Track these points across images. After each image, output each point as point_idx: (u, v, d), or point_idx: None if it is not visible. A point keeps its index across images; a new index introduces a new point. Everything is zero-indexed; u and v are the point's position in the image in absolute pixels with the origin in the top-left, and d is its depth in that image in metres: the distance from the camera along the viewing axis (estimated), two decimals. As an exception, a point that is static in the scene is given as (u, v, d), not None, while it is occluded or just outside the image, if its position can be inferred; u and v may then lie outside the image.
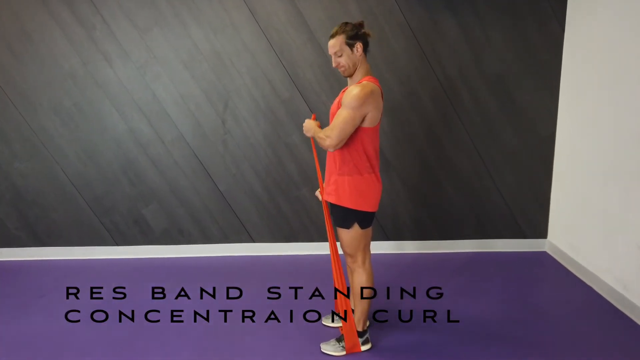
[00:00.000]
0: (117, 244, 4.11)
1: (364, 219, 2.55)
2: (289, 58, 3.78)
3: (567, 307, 3.12)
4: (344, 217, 2.53)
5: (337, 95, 3.77)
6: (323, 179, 2.84)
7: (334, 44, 2.44)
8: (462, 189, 4.01)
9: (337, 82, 3.80)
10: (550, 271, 3.71)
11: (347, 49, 2.44)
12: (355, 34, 2.43)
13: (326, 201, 2.63)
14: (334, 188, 2.53)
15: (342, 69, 2.48)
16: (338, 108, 2.45)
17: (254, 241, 4.12)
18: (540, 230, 4.09)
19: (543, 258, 3.97)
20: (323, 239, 4.10)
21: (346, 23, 2.46)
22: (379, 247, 4.06)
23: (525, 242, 4.11)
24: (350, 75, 2.51)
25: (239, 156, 3.95)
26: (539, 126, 3.90)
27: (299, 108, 3.86)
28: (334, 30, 2.46)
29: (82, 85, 3.81)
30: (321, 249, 4.11)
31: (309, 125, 2.60)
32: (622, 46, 3.08)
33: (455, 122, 3.88)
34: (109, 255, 4.11)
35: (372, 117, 2.43)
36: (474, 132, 3.90)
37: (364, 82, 2.41)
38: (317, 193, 2.83)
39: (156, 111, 3.87)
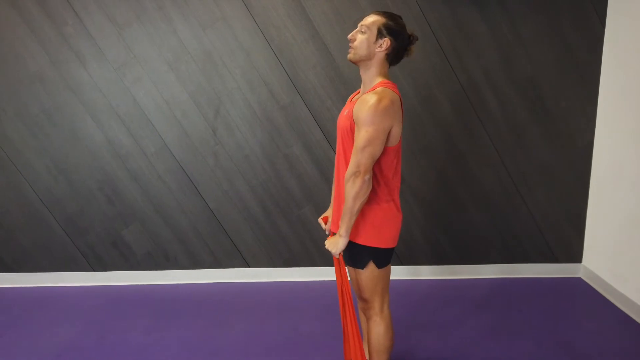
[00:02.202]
0: (94, 270, 3.61)
1: (381, 256, 2.06)
2: (289, 58, 3.29)
3: (611, 349, 2.64)
4: (357, 255, 2.05)
5: (344, 101, 3.29)
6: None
7: (368, 19, 1.97)
8: (485, 207, 3.52)
9: (344, 85, 3.31)
10: (590, 303, 3.22)
11: (374, 33, 1.95)
12: (397, 32, 1.95)
13: (334, 233, 2.15)
14: None
15: (351, 49, 1.98)
16: (349, 120, 1.96)
17: (248, 266, 3.62)
18: (574, 254, 3.61)
19: (578, 285, 3.49)
20: (327, 263, 3.61)
21: (399, 16, 2.00)
22: (391, 273, 3.57)
23: (557, 266, 3.62)
24: (355, 62, 2.00)
25: (232, 170, 3.45)
26: (574, 136, 3.41)
27: (300, 115, 3.37)
28: (379, 10, 2.01)
29: (51, 89, 3.32)
30: (325, 274, 3.61)
31: (332, 240, 2.02)
32: None
33: (479, 132, 3.40)
34: (83, 282, 3.61)
35: (395, 134, 1.95)
36: (500, 143, 3.41)
37: (379, 88, 1.92)
38: (321, 220, 2.36)
39: (137, 119, 3.38)
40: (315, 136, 3.39)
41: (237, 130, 3.40)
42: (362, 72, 2.03)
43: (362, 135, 1.87)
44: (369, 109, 1.85)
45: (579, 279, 3.59)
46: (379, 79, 1.99)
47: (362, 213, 1.99)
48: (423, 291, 3.42)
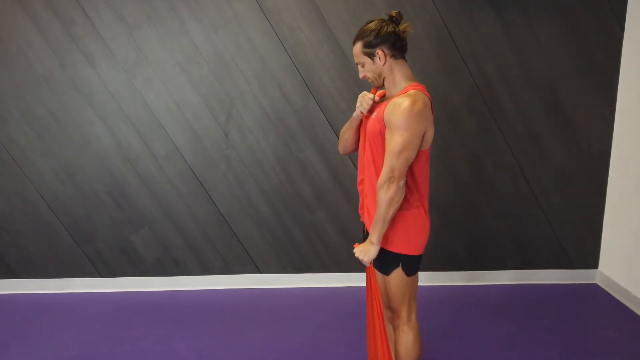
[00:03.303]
0: (101, 276, 3.52)
1: (410, 264, 2.00)
2: (303, 60, 3.23)
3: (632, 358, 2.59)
4: (386, 262, 1.98)
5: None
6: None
7: (355, 53, 1.97)
8: (501, 212, 3.47)
9: (359, 88, 3.24)
10: (607, 309, 3.17)
11: (366, 59, 1.92)
12: (375, 38, 1.88)
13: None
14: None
15: (370, 81, 1.99)
16: (379, 124, 1.90)
17: (260, 272, 3.55)
18: (590, 259, 3.55)
19: (594, 291, 3.44)
20: (340, 269, 3.54)
21: (368, 22, 1.93)
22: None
23: (572, 272, 3.57)
24: (381, 86, 1.98)
25: (244, 174, 3.38)
26: (591, 141, 3.37)
27: (314, 118, 3.30)
28: (355, 35, 1.96)
29: (59, 90, 3.23)
30: (337, 280, 3.54)
31: (362, 247, 1.96)
32: None
33: (496, 135, 3.34)
34: (91, 289, 3.53)
35: (428, 137, 1.89)
36: (516, 147, 3.36)
37: (411, 91, 1.86)
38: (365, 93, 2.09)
39: (147, 121, 3.30)
40: (330, 140, 3.33)
41: (249, 134, 3.32)
42: (385, 82, 1.98)
43: (396, 139, 1.80)
44: (403, 113, 1.79)
45: (595, 285, 3.54)
46: (406, 81, 1.94)
47: (393, 221, 1.93)
48: (439, 298, 3.35)
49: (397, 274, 1.98)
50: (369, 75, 1.97)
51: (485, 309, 3.19)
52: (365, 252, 1.93)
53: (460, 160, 3.38)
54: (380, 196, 1.84)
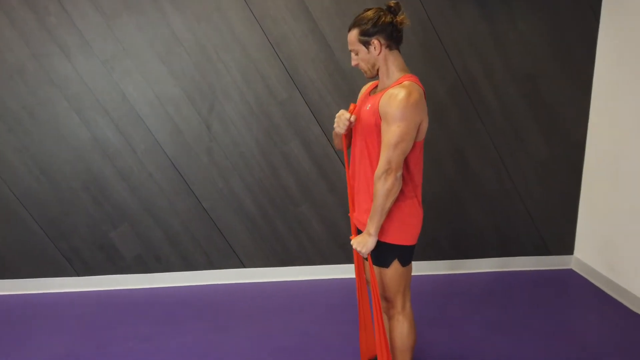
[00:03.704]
0: (78, 274, 3.41)
1: (406, 254, 2.02)
2: (287, 52, 3.19)
3: (615, 340, 2.69)
4: (382, 253, 1.99)
5: (344, 96, 3.22)
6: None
7: (349, 40, 1.95)
8: (483, 202, 3.54)
9: (344, 80, 3.24)
10: (584, 293, 3.28)
11: (361, 47, 1.91)
12: (372, 27, 1.87)
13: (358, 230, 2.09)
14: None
15: (362, 70, 1.98)
16: (374, 116, 1.89)
17: (244, 266, 3.51)
18: (566, 245, 3.67)
19: (571, 277, 3.55)
20: (324, 261, 3.54)
21: (366, 10, 1.91)
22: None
23: (549, 259, 3.68)
24: (374, 77, 1.99)
25: (227, 168, 3.33)
26: (568, 130, 3.47)
27: (298, 111, 3.28)
28: (351, 21, 1.94)
29: (33, 83, 3.10)
30: (322, 273, 3.54)
31: (360, 239, 1.95)
32: None
33: (478, 126, 3.40)
34: (68, 288, 3.41)
35: (423, 128, 1.90)
36: (497, 138, 3.43)
37: (405, 82, 1.87)
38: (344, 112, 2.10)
39: (126, 115, 3.20)
40: (314, 133, 3.31)
41: (232, 127, 3.27)
42: (379, 72, 1.98)
43: (393, 131, 1.81)
44: (399, 104, 1.79)
45: (571, 270, 3.66)
46: (399, 72, 1.94)
47: (389, 212, 1.93)
48: (423, 287, 3.40)
49: (394, 265, 1.99)
50: (362, 64, 1.96)
51: (469, 296, 3.25)
52: (364, 243, 1.93)
53: (443, 151, 3.42)
54: (378, 187, 1.84)
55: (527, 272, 3.63)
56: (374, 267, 2.04)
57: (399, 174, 1.84)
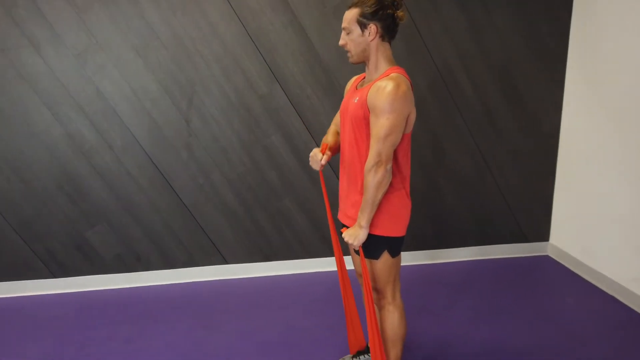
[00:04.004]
0: (55, 276, 3.30)
1: (395, 245, 2.03)
2: (267, 44, 3.15)
3: (594, 322, 2.78)
4: (372, 245, 1.99)
5: (325, 89, 3.21)
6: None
7: (346, 17, 1.89)
8: (461, 192, 3.59)
9: (325, 73, 3.22)
10: (560, 278, 3.37)
11: (356, 28, 1.87)
12: (374, 12, 1.85)
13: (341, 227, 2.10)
14: (357, 211, 1.98)
15: (348, 53, 1.93)
16: (362, 109, 1.88)
17: (227, 262, 3.47)
18: (542, 232, 3.77)
19: (547, 263, 3.65)
20: (308, 255, 3.53)
21: None
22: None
23: (526, 246, 3.77)
24: (357, 63, 1.96)
25: (208, 163, 3.28)
26: (543, 120, 3.55)
27: (279, 104, 3.24)
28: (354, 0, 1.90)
29: (1, 78, 2.96)
30: (306, 266, 3.54)
31: (352, 231, 1.92)
32: (632, 34, 2.81)
33: (456, 117, 3.44)
34: (44, 290, 3.30)
35: (411, 120, 1.90)
36: (475, 128, 3.48)
37: (393, 74, 1.86)
38: (317, 152, 2.15)
39: (101, 110, 3.10)
40: (296, 126, 3.29)
41: (212, 121, 3.22)
42: (367, 63, 1.97)
43: (382, 123, 1.80)
44: (387, 96, 1.78)
45: (547, 256, 3.76)
46: (386, 65, 1.93)
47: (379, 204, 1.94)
48: (406, 277, 3.41)
49: (384, 256, 2.00)
50: (350, 45, 1.91)
51: (451, 285, 3.31)
52: (355, 236, 1.92)
53: (422, 142, 3.45)
54: (369, 180, 1.84)
55: (505, 260, 3.72)
56: (367, 259, 2.04)
57: (389, 166, 1.84)
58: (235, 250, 3.45)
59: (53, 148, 3.10)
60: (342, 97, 3.26)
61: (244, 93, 3.20)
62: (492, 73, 3.39)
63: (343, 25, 1.90)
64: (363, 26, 1.86)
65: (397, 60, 3.19)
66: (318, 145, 3.34)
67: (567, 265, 3.57)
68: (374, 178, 1.82)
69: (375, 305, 2.21)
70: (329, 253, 3.53)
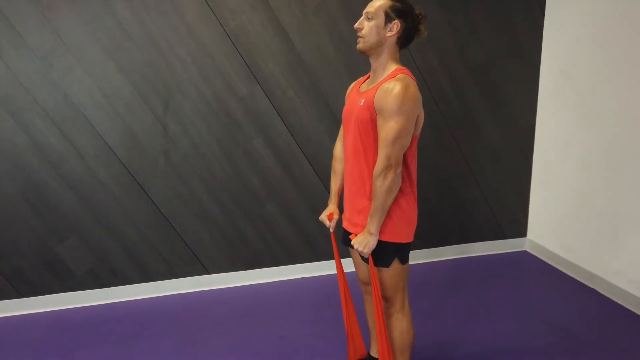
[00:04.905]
0: (22, 296, 3.06)
1: (405, 251, 1.98)
2: (246, 45, 3.03)
3: (579, 315, 2.84)
4: (383, 253, 1.93)
5: (307, 90, 3.13)
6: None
7: (373, 3, 1.82)
8: (443, 190, 3.60)
9: (306, 73, 3.14)
10: (543, 274, 3.44)
11: (382, 18, 1.80)
12: (404, 12, 1.81)
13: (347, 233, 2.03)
14: (365, 217, 1.92)
15: (361, 38, 1.84)
16: (369, 111, 1.81)
17: (208, 272, 3.33)
18: (520, 228, 3.84)
19: (526, 258, 3.72)
20: (292, 261, 3.44)
21: None
22: (348, 265, 3.50)
23: (505, 242, 3.83)
24: (365, 52, 1.87)
25: (187, 170, 3.12)
26: (519, 118, 3.60)
27: (260, 107, 3.13)
28: None
29: (-45, 83, 2.72)
30: (290, 273, 3.45)
31: (362, 238, 1.87)
32: (604, 31, 2.91)
33: (436, 116, 3.44)
34: (11, 312, 3.05)
35: (420, 122, 1.86)
36: (455, 127, 3.49)
37: (400, 75, 1.81)
38: (325, 218, 2.20)
39: (70, 117, 2.90)
40: (278, 129, 3.18)
41: (190, 126, 3.07)
42: (372, 60, 1.90)
43: (391, 126, 1.74)
44: (396, 98, 1.72)
45: (525, 252, 3.84)
46: (394, 66, 1.87)
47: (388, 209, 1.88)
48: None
49: (394, 263, 1.95)
50: (367, 31, 1.82)
51: (438, 284, 3.30)
52: (365, 243, 1.86)
53: (404, 143, 3.42)
54: (378, 185, 1.78)
55: (485, 257, 3.76)
56: (370, 268, 1.98)
57: (399, 170, 1.79)
58: (217, 259, 3.32)
59: (17, 158, 2.87)
60: (325, 99, 3.20)
61: (223, 96, 3.07)
62: (471, 72, 3.41)
63: (368, 10, 1.82)
64: (389, 18, 1.79)
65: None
66: (302, 150, 3.25)
67: (545, 259, 3.65)
68: (384, 183, 1.76)
69: (383, 312, 2.16)
70: (313, 258, 3.45)
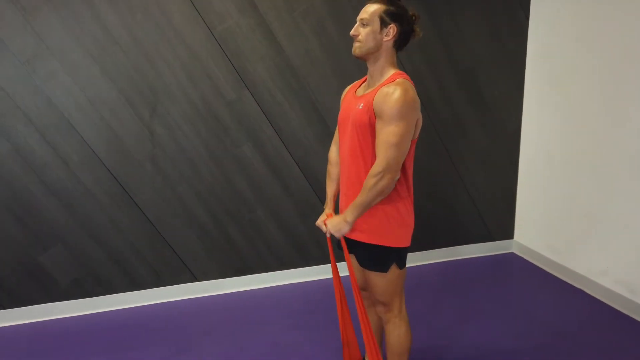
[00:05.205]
0: (4, 307, 2.97)
1: (403, 256, 1.97)
2: (234, 49, 3.00)
3: (569, 316, 2.88)
4: (383, 258, 1.92)
5: (296, 94, 3.11)
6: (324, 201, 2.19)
7: (367, 9, 1.80)
8: (431, 193, 3.61)
9: (295, 77, 3.12)
10: (532, 275, 3.47)
11: (377, 23, 1.79)
12: (399, 15, 1.80)
13: (344, 239, 2.01)
14: (364, 221, 1.90)
15: (358, 44, 1.82)
16: (367, 114, 1.80)
17: (197, 280, 3.27)
18: (507, 231, 3.87)
19: (514, 260, 3.75)
20: (281, 266, 3.41)
21: None
22: (345, 269, 3.49)
23: (492, 244, 3.86)
24: (362, 57, 1.85)
25: (174, 175, 3.07)
26: (505, 122, 3.64)
27: (248, 111, 3.10)
28: None
29: None
30: (280, 278, 3.41)
31: (337, 225, 1.88)
32: (586, 36, 2.99)
33: (424, 120, 3.45)
34: (-8, 325, 2.96)
35: (418, 126, 1.86)
36: (443, 131, 3.51)
37: (399, 79, 1.80)
38: (321, 223, 2.18)
39: (54, 122, 2.82)
40: (267, 133, 3.16)
41: (177, 130, 3.02)
42: (369, 64, 1.89)
43: (392, 130, 1.73)
44: (396, 103, 1.71)
45: (512, 254, 3.87)
46: (392, 70, 1.87)
47: (387, 212, 1.87)
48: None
49: (392, 268, 1.94)
50: (363, 37, 1.80)
51: (428, 287, 3.31)
52: (339, 228, 1.87)
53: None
54: (371, 183, 1.76)
55: (474, 259, 3.78)
56: (372, 272, 1.96)
57: (397, 177, 1.78)
58: (206, 266, 3.26)
59: (-2, 165, 2.79)
60: (314, 103, 3.19)
61: (211, 100, 3.03)
62: (458, 76, 3.43)
63: (362, 16, 1.80)
64: (384, 24, 1.78)
65: (360, 63, 3.16)
66: (291, 154, 3.23)
67: (532, 261, 3.69)
68: (378, 183, 1.75)
69: (380, 318, 2.16)
70: (303, 263, 3.43)
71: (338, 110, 3.20)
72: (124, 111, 2.91)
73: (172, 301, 3.22)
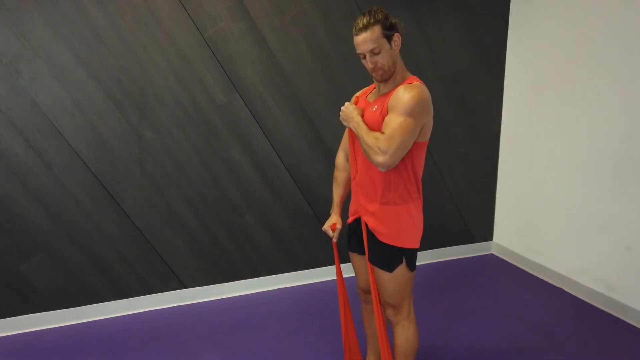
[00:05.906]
0: (-19, 319, 2.83)
1: (413, 257, 2.01)
2: (225, 52, 2.97)
3: (550, 314, 2.98)
4: (389, 258, 1.95)
5: (286, 98, 3.11)
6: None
7: (369, 38, 1.77)
8: (416, 198, 3.67)
9: (285, 81, 3.12)
10: (513, 276, 3.59)
11: (385, 43, 1.80)
12: (392, 24, 1.81)
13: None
14: (375, 222, 1.93)
15: (381, 71, 1.83)
16: (382, 116, 1.82)
17: (185, 287, 3.21)
18: (486, 232, 3.99)
19: (493, 261, 3.87)
20: (271, 271, 3.39)
21: (371, 12, 1.81)
22: (327, 273, 3.51)
23: (472, 246, 3.96)
24: (387, 79, 1.88)
25: (162, 180, 3.01)
26: (485, 126, 3.75)
27: (239, 115, 3.08)
28: (363, 20, 1.78)
29: None
30: (269, 284, 3.39)
31: (351, 113, 1.91)
32: (564, 41, 3.12)
33: (410, 126, 3.51)
34: (-32, 338, 2.81)
35: (429, 128, 1.89)
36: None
37: (416, 82, 1.83)
38: (328, 228, 2.19)
39: (38, 126, 2.72)
40: (257, 138, 3.14)
41: (166, 135, 2.96)
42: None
43: (399, 122, 1.73)
44: (409, 99, 1.73)
45: (492, 255, 3.98)
46: (407, 74, 1.91)
47: (398, 213, 1.90)
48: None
49: (402, 269, 1.96)
50: (382, 62, 1.81)
51: (417, 289, 3.36)
52: (352, 117, 1.89)
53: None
54: (366, 142, 1.77)
55: (455, 261, 3.87)
56: (380, 272, 1.98)
57: (385, 169, 1.77)
58: (194, 272, 3.21)
59: (-23, 171, 2.66)
60: (304, 108, 3.19)
61: (201, 104, 2.99)
62: (441, 81, 3.52)
63: (368, 48, 1.78)
64: (389, 39, 1.80)
65: (355, 70, 3.20)
66: (281, 159, 3.22)
67: (511, 261, 3.81)
68: (368, 150, 1.76)
69: (389, 321, 2.17)
70: (293, 268, 3.42)
71: (328, 114, 3.24)
72: (112, 114, 2.83)
73: (161, 309, 3.14)
